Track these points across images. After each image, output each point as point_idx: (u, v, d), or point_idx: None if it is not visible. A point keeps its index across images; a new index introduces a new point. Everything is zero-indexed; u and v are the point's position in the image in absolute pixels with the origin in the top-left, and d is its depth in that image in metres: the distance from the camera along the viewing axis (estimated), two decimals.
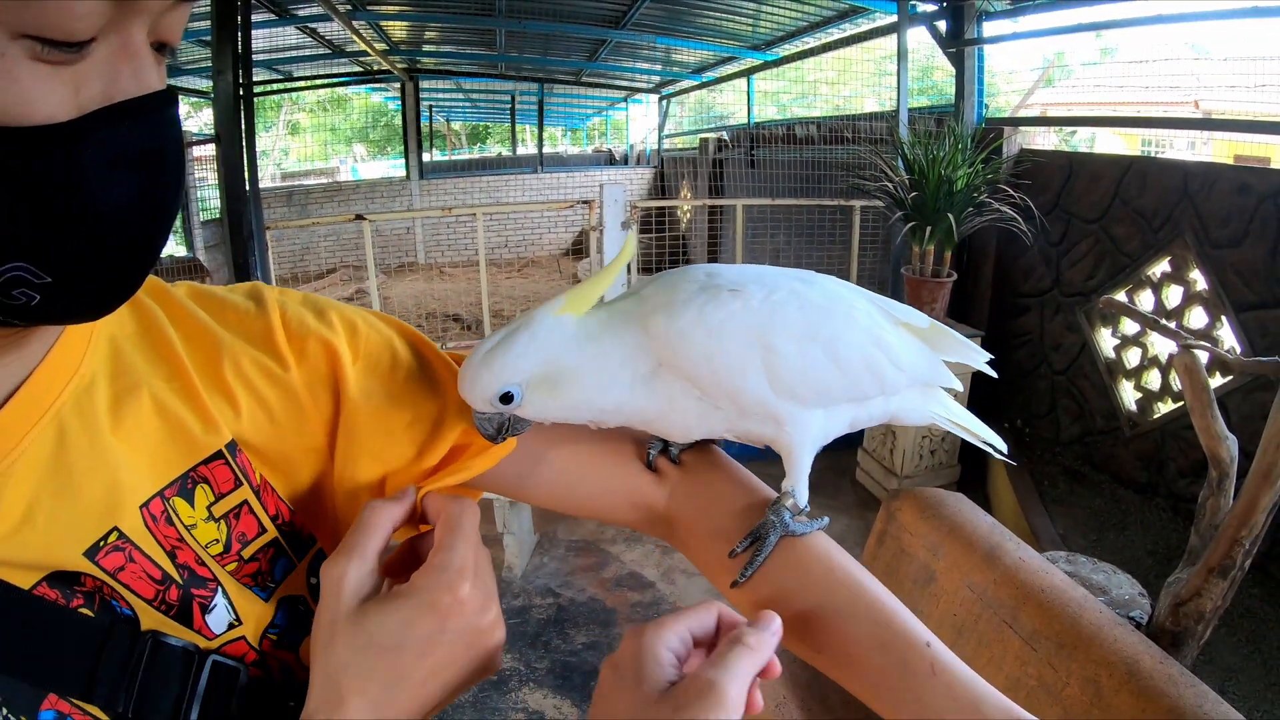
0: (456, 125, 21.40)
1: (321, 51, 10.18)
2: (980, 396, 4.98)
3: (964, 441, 4.63)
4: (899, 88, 5.24)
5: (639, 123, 15.73)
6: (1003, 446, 0.88)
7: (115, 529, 0.52)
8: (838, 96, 8.20)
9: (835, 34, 7.20)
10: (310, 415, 0.65)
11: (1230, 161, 5.39)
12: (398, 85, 12.06)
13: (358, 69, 11.64)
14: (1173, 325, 4.29)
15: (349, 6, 7.63)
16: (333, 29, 8.62)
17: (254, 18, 7.66)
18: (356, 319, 0.70)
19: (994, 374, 0.94)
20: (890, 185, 4.49)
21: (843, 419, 0.77)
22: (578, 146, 20.13)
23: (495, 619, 0.57)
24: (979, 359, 0.88)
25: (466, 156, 18.45)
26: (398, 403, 0.68)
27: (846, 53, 6.99)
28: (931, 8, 5.38)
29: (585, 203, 4.80)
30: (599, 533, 4.41)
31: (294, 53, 10.04)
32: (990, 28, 5.28)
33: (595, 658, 3.46)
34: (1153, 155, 6.37)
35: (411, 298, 9.04)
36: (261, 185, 13.05)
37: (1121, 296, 4.48)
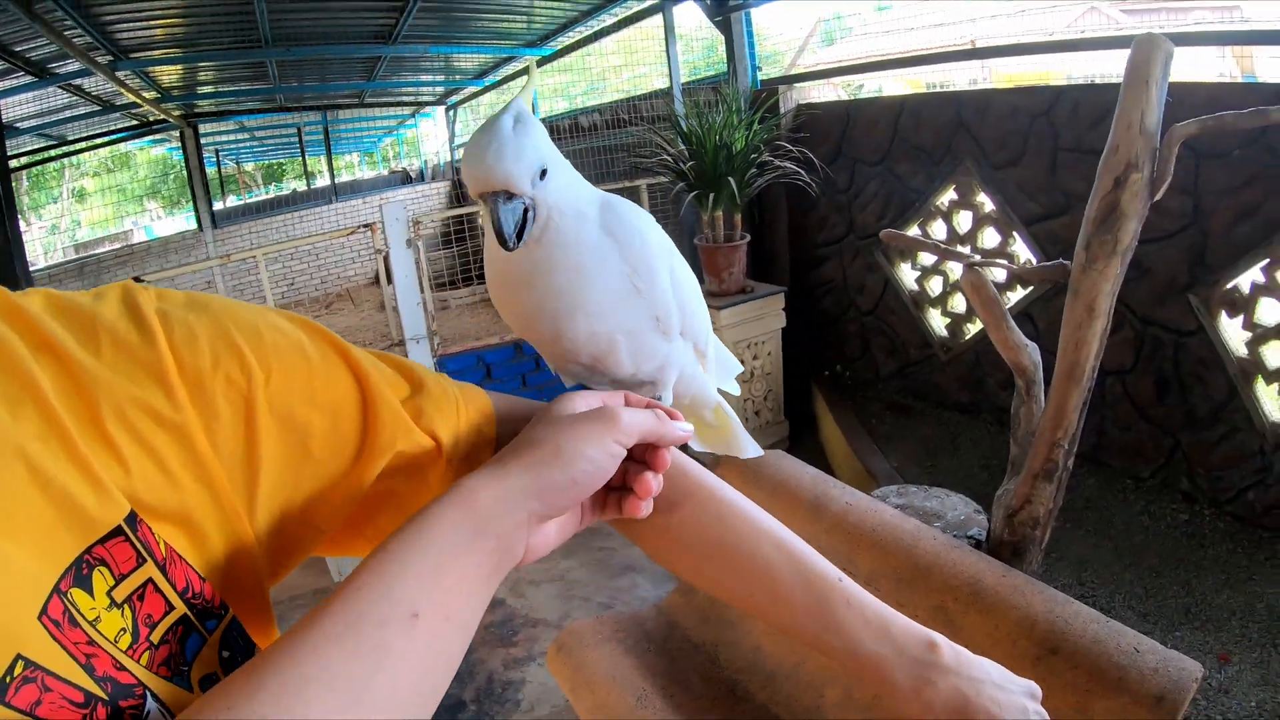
0: (249, 167, 20.46)
1: (93, 109, 9.48)
2: (796, 351, 5.08)
3: (786, 396, 4.73)
4: (670, 63, 5.27)
5: (433, 137, 15.43)
6: (755, 452, 0.98)
7: (19, 657, 0.41)
8: (628, 80, 8.22)
9: (608, 19, 7.19)
10: (208, 460, 0.54)
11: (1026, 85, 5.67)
12: (177, 134, 11.38)
13: (133, 122, 10.92)
14: (963, 249, 4.49)
15: (110, 58, 7.11)
16: (99, 83, 8.01)
17: (11, 82, 7.10)
18: (257, 321, 0.60)
19: (737, 389, 1.04)
20: (669, 159, 4.49)
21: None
22: (375, 170, 19.65)
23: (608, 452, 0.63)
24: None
25: (264, 197, 17.70)
26: (318, 422, 0.61)
27: (631, 36, 7.01)
28: None
29: (367, 226, 4.61)
30: None
31: (64, 114, 9.35)
32: None
33: (456, 689, 3.31)
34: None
35: None
36: (52, 261, 12.21)
37: (915, 230, 4.64)
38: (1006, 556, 2.26)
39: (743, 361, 4.55)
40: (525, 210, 0.70)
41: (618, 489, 0.70)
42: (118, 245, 13.92)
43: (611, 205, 0.78)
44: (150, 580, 0.50)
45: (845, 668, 0.74)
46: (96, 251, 13.14)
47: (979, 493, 2.77)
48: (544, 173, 0.70)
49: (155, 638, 0.50)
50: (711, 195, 4.32)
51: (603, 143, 6.37)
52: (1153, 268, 3.51)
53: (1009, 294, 4.18)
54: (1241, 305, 3.26)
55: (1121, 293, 3.54)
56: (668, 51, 5.27)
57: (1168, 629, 2.84)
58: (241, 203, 15.79)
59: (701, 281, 4.77)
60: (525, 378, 5.04)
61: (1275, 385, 3.23)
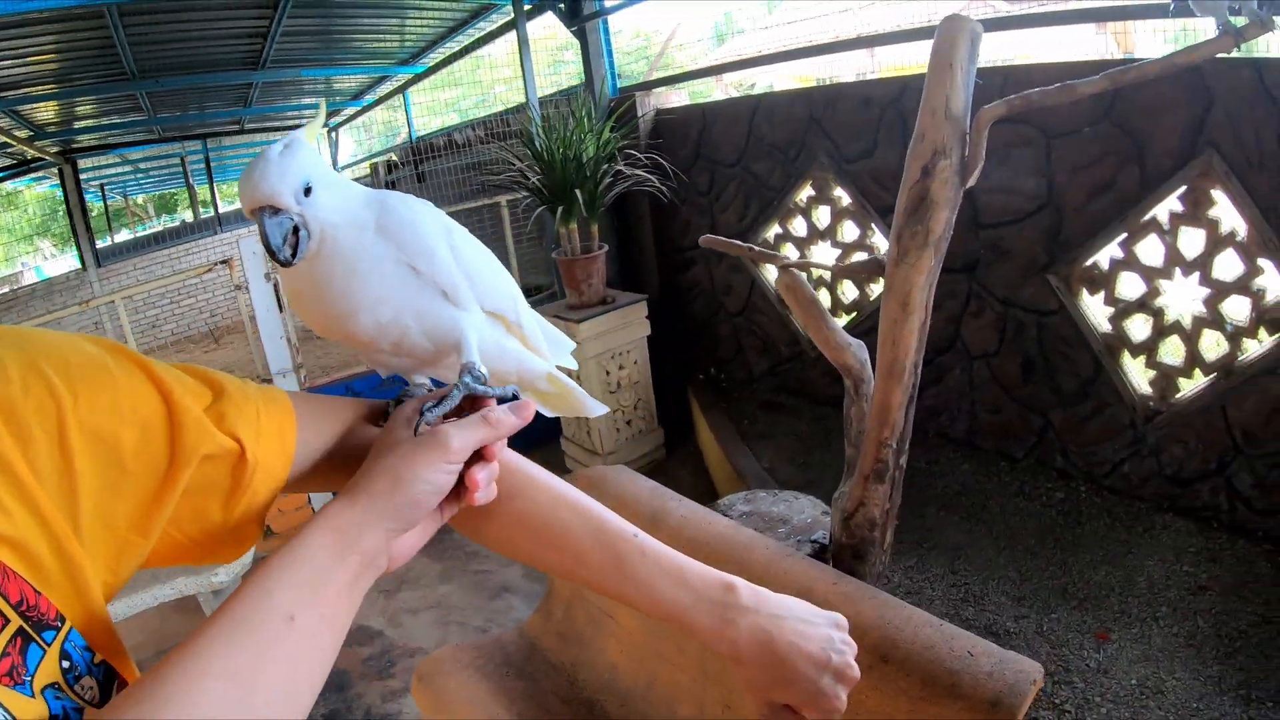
0: (140, 199, 19.90)
1: None
2: (669, 357, 5.09)
3: (659, 404, 4.73)
4: (525, 77, 5.24)
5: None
6: (600, 410, 1.08)
7: None
8: (516, 92, 8.19)
9: (474, 33, 7.15)
10: (28, 483, 0.57)
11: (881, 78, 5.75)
12: (56, 171, 11.00)
13: (10, 161, 10.53)
14: (823, 244, 4.54)
15: None
16: None
17: None
18: (64, 348, 0.64)
19: (574, 364, 1.12)
20: (520, 174, 4.46)
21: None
22: None
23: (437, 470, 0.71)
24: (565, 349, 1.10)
25: (156, 229, 17.23)
26: (126, 437, 0.65)
27: (512, 49, 6.98)
28: None
29: (224, 262, 4.49)
30: None
31: None
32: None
33: None
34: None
35: None
36: None
37: (775, 228, 4.68)
38: (848, 560, 2.25)
39: (608, 373, 4.54)
40: (296, 228, 0.75)
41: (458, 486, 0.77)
42: (4, 289, 13.44)
43: (384, 205, 0.84)
44: None
45: (650, 615, 0.82)
46: None
47: None
48: (308, 190, 0.75)
49: None
50: (561, 208, 4.30)
51: (478, 157, 6.32)
52: (1011, 249, 3.55)
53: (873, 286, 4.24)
54: (1101, 281, 3.30)
55: (982, 276, 3.68)
56: (522, 65, 5.24)
57: (1044, 611, 2.81)
58: (131, 236, 15.36)
59: (561, 295, 4.79)
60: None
61: (1141, 358, 3.27)
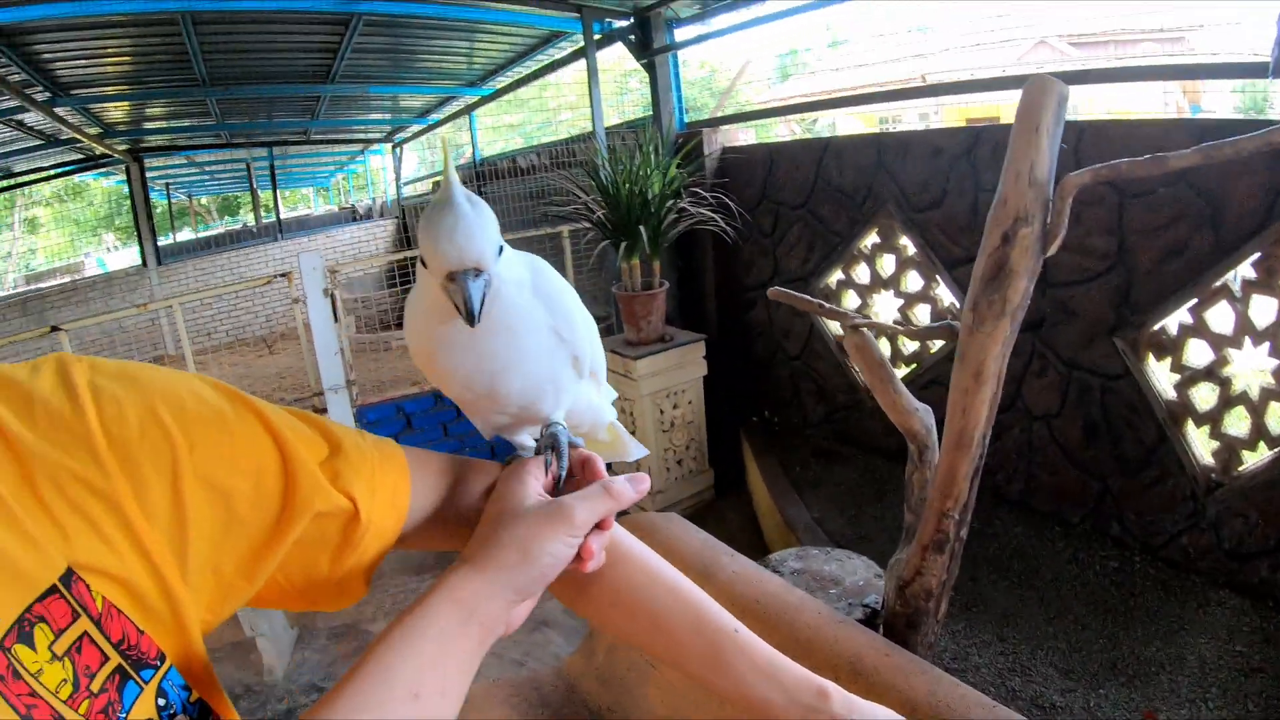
0: (204, 200, 20.30)
1: (35, 143, 9.37)
2: (725, 397, 5.02)
3: (711, 445, 4.67)
4: (592, 107, 5.23)
5: (382, 174, 15.36)
6: (641, 453, 1.07)
7: None
8: (582, 117, 8.22)
9: (543, 59, 7.18)
10: (139, 526, 0.59)
11: (953, 126, 5.68)
12: (124, 168, 11.26)
13: (79, 156, 10.80)
14: (885, 293, 4.46)
15: (48, 95, 7.03)
16: (42, 119, 7.93)
17: None
18: (182, 393, 0.65)
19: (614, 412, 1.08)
20: (584, 206, 4.44)
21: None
22: (328, 205, 19.58)
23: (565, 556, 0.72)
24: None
25: (218, 231, 17.57)
26: (238, 488, 0.65)
27: (577, 74, 6.99)
28: (624, 23, 5.41)
29: (284, 275, 4.51)
30: (358, 613, 4.16)
31: (7, 147, 9.26)
32: (684, 33, 5.36)
33: None
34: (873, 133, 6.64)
35: None
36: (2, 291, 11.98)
37: (838, 274, 4.61)
38: (900, 628, 2.16)
39: (661, 411, 4.49)
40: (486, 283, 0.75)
41: None
42: (68, 278, 13.78)
43: (534, 265, 0.84)
44: (86, 633, 0.54)
45: (735, 706, 0.80)
46: (45, 284, 13.01)
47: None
48: (500, 249, 0.75)
49: (95, 687, 0.54)
50: (624, 243, 4.26)
51: (541, 184, 6.32)
52: (1078, 310, 3.46)
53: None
54: (1169, 347, 3.20)
55: (1047, 336, 3.58)
56: (591, 96, 5.23)
57: (1092, 686, 2.71)
58: (193, 237, 15.64)
59: (619, 330, 4.74)
60: (446, 427, 4.95)
61: (1206, 428, 3.16)
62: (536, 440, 0.88)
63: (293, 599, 0.74)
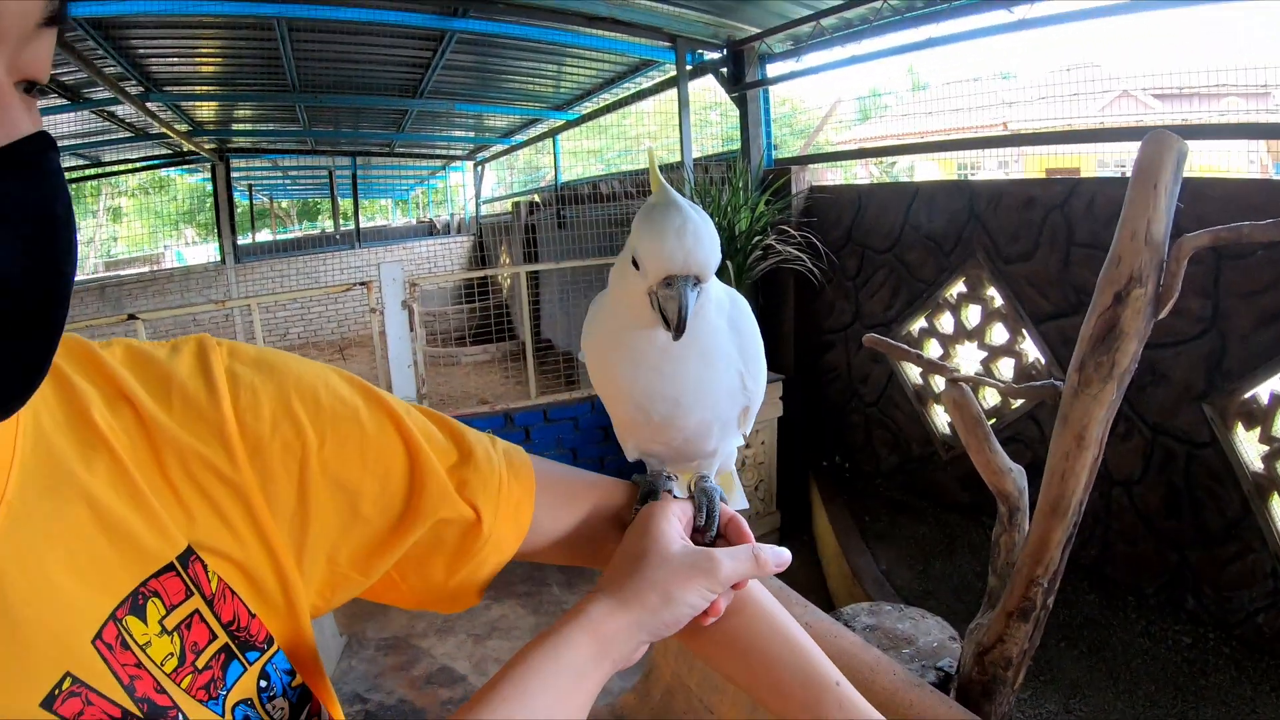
0: (285, 203, 20.74)
1: (126, 135, 9.72)
2: (797, 438, 4.93)
3: (779, 486, 4.58)
4: (681, 138, 5.22)
5: (461, 191, 15.58)
6: (743, 505, 1.00)
7: (68, 674, 0.47)
8: (664, 147, 8.25)
9: (631, 88, 7.21)
10: (263, 517, 0.60)
11: (1042, 176, 5.57)
12: (209, 166, 11.57)
13: (166, 151, 11.15)
14: (969, 344, 4.35)
15: (141, 89, 7.27)
16: (133, 112, 8.19)
17: (44, 103, 7.23)
18: (318, 386, 0.66)
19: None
20: None
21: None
22: (407, 218, 19.91)
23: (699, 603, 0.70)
24: None
25: (295, 235, 17.97)
26: (366, 486, 0.66)
27: (668, 105, 7.02)
28: (716, 55, 5.41)
29: (364, 284, 4.55)
30: (410, 627, 4.14)
31: (98, 137, 9.61)
32: (776, 69, 5.33)
33: None
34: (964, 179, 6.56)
35: None
36: (84, 275, 12.36)
37: (921, 322, 4.52)
38: (975, 696, 2.09)
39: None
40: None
41: None
42: (147, 268, 14.19)
43: (735, 300, 0.79)
44: (197, 611, 0.56)
45: None
46: (125, 272, 13.42)
47: (970, 604, 2.61)
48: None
49: (200, 663, 0.55)
50: None
51: (622, 211, 6.32)
52: (1167, 374, 3.37)
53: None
54: (1259, 417, 3.10)
55: (1134, 399, 3.45)
56: (680, 126, 5.22)
57: None
58: (272, 239, 15.98)
59: None
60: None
61: None
62: (670, 479, 0.85)
63: (406, 598, 0.75)
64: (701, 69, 5.51)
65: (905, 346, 2.40)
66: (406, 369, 4.52)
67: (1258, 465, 3.13)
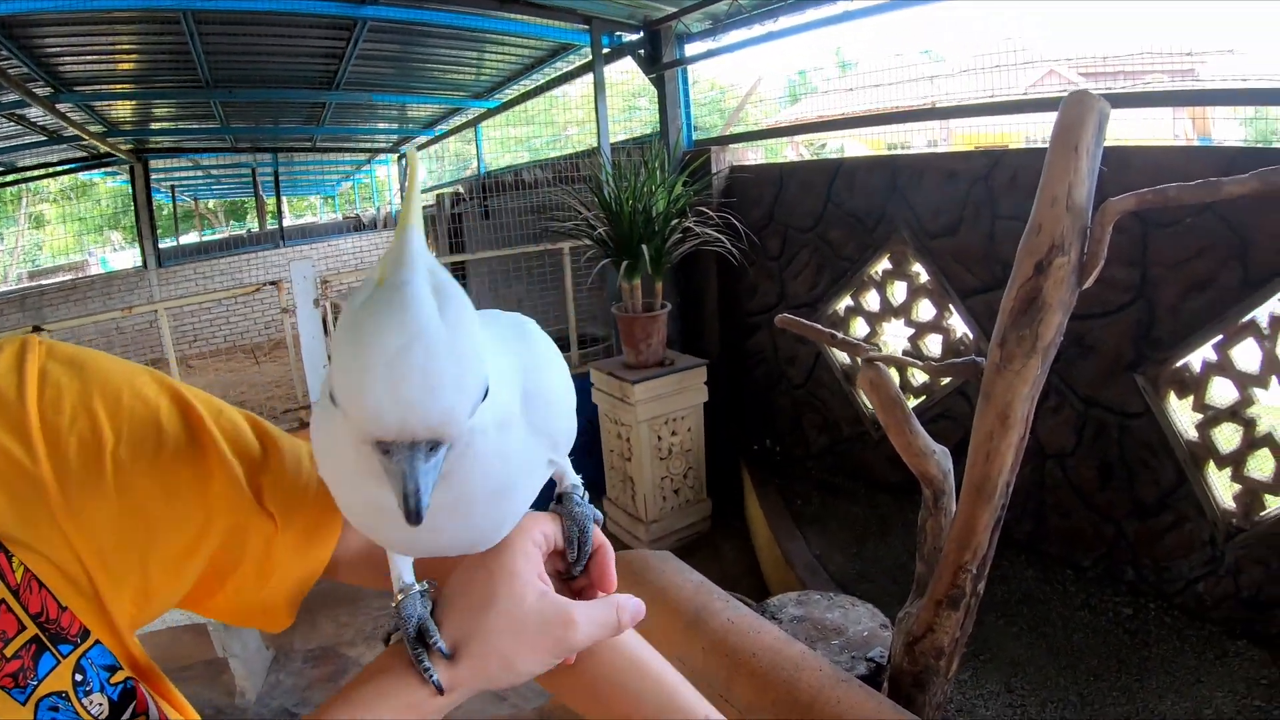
0: (210, 203, 20.37)
1: (38, 139, 9.41)
2: (725, 424, 4.87)
3: (709, 473, 4.51)
4: (598, 121, 5.11)
5: (388, 184, 15.39)
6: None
7: None
8: (589, 133, 8.15)
9: (550, 73, 7.10)
10: (60, 511, 0.60)
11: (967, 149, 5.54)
12: (128, 168, 11.23)
13: (82, 154, 10.78)
14: (896, 322, 4.31)
15: (50, 90, 6.98)
16: (45, 114, 7.90)
17: None
18: (122, 386, 0.65)
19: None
20: (586, 223, 4.30)
21: None
22: (333, 214, 19.68)
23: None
24: None
25: (221, 236, 17.67)
26: (159, 487, 0.64)
27: (586, 90, 6.94)
28: (633, 36, 5.30)
29: (273, 284, 4.39)
30: (337, 635, 4.01)
31: (11, 141, 9.29)
32: (694, 48, 5.24)
33: None
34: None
35: None
36: (5, 287, 11.99)
37: (847, 300, 4.48)
38: (907, 687, 2.03)
39: (659, 438, 4.33)
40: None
41: None
42: (71, 275, 13.88)
43: (532, 394, 0.57)
44: (3, 601, 0.55)
45: None
46: (47, 281, 13.12)
47: (905, 585, 2.56)
48: (486, 391, 0.46)
49: (9, 652, 0.55)
50: (626, 262, 4.11)
51: (545, 199, 6.22)
52: (1097, 345, 3.34)
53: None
54: (1191, 385, 3.09)
55: (1064, 372, 3.42)
56: (596, 109, 5.11)
57: None
58: (197, 240, 15.72)
59: (618, 352, 4.59)
60: None
61: (1227, 471, 3.04)
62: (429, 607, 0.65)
63: (222, 608, 0.72)
64: (619, 51, 5.40)
65: (819, 326, 2.32)
66: (321, 369, 4.36)
67: (1192, 434, 3.12)
